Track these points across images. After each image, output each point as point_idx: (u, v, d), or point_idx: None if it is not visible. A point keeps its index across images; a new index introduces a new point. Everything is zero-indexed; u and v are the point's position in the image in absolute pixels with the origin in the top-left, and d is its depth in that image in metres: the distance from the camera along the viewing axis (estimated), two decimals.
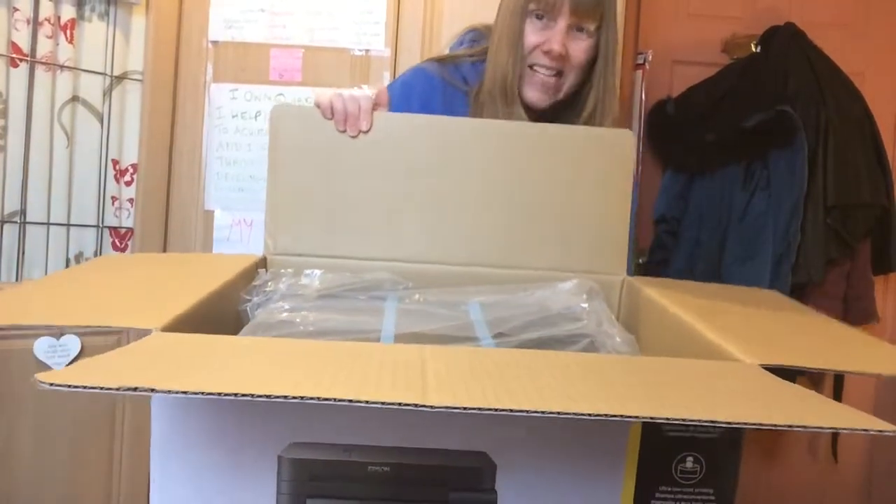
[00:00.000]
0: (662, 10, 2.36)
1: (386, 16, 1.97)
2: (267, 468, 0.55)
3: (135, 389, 0.39)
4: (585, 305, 0.87)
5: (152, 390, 0.39)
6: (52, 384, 0.40)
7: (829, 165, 2.05)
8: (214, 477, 0.55)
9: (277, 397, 0.39)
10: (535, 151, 1.02)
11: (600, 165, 1.02)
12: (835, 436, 2.35)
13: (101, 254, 1.93)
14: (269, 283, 0.90)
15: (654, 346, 0.86)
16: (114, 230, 1.96)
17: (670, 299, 0.85)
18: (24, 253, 1.81)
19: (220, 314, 0.80)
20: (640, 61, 2.24)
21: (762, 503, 2.41)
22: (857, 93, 2.14)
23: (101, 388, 0.40)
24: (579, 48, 1.15)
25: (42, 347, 1.65)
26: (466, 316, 0.85)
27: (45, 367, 1.65)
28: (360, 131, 1.03)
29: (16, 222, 1.80)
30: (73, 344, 1.67)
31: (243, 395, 0.39)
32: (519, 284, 0.94)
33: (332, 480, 0.54)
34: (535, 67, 1.16)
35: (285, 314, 0.81)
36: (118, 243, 1.97)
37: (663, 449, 0.57)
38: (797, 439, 2.42)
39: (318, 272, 0.94)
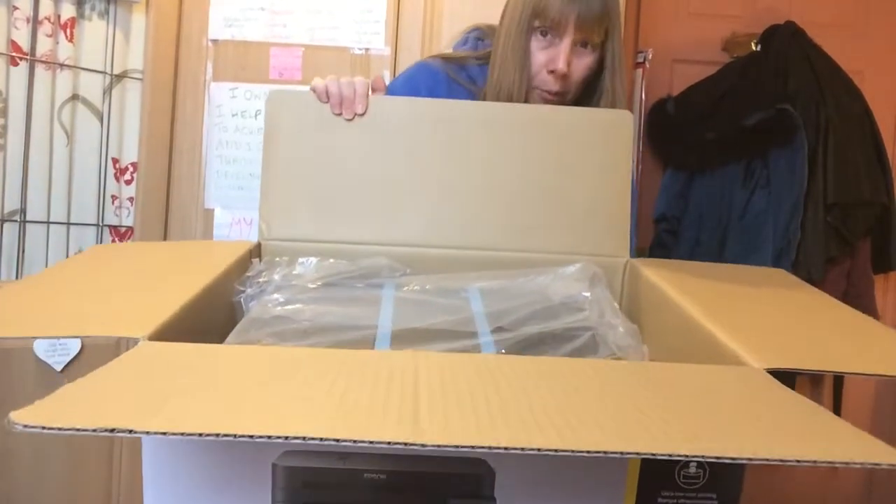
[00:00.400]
0: (662, 9, 2.36)
1: (386, 14, 1.97)
2: (261, 478, 0.54)
3: (112, 431, 0.38)
4: (587, 294, 0.85)
5: (130, 431, 0.38)
6: (25, 426, 0.38)
7: (829, 164, 2.05)
8: (207, 486, 0.55)
9: (260, 437, 0.38)
10: (535, 133, 1.01)
11: (600, 146, 1.01)
12: None
13: None
14: (263, 274, 0.88)
15: (656, 335, 0.84)
16: (114, 229, 1.96)
17: (673, 284, 0.84)
18: (24, 252, 1.82)
19: (215, 308, 0.79)
20: (641, 60, 2.24)
21: (762, 503, 2.41)
22: (856, 91, 2.14)
23: (78, 430, 0.38)
24: (582, 65, 1.13)
25: (42, 347, 1.65)
26: (466, 306, 0.83)
27: (45, 367, 1.65)
28: (355, 114, 1.02)
29: (16, 221, 1.80)
30: (73, 343, 1.67)
31: (225, 436, 0.38)
32: (520, 269, 0.92)
33: (327, 488, 0.53)
34: (539, 89, 1.14)
35: (280, 308, 0.79)
36: (118, 242, 1.97)
37: None
38: None
39: (312, 260, 0.92)
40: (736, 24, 2.33)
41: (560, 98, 1.15)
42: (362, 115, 1.02)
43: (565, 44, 1.10)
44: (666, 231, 2.24)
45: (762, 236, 2.05)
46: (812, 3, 2.33)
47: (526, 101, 1.15)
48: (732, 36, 2.31)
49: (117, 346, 0.58)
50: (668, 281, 0.86)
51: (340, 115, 1.02)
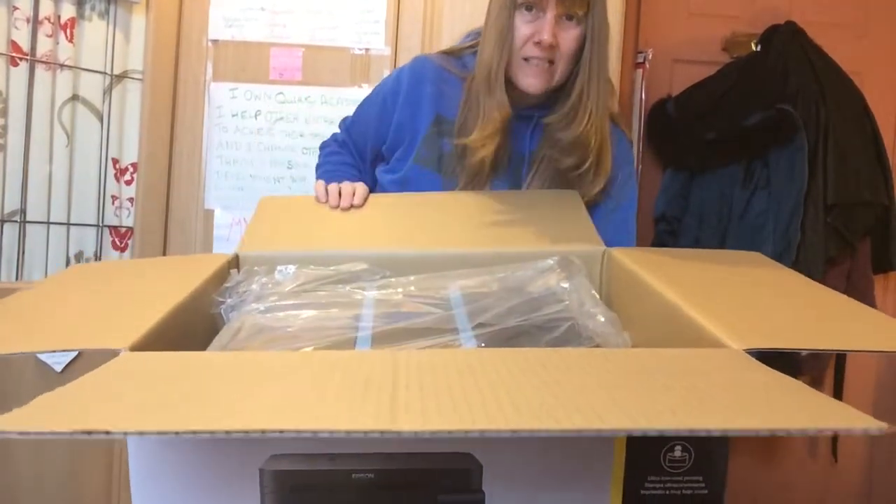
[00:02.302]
0: (662, 9, 2.35)
1: (386, 14, 1.97)
2: (250, 483, 0.54)
3: (89, 433, 0.38)
4: (566, 285, 0.86)
5: (106, 433, 0.38)
6: (3, 432, 0.37)
7: (829, 164, 2.05)
8: (196, 495, 0.54)
9: (238, 433, 0.38)
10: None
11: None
12: (834, 436, 2.35)
13: (101, 253, 1.94)
14: (242, 284, 0.88)
15: (638, 322, 0.85)
16: (114, 229, 1.97)
17: (651, 271, 0.85)
18: (24, 252, 1.82)
19: (194, 321, 0.79)
20: (641, 60, 2.24)
21: (763, 503, 2.40)
22: (856, 91, 2.14)
23: (54, 433, 0.38)
24: (569, 37, 1.15)
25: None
26: (446, 305, 0.83)
27: (45, 368, 1.66)
28: (351, 205, 1.12)
29: (16, 221, 1.80)
30: None
31: (202, 432, 0.37)
32: (500, 265, 0.93)
33: (316, 490, 0.53)
34: (528, 59, 1.16)
35: (260, 317, 0.79)
36: (118, 242, 1.98)
37: (651, 438, 0.57)
38: (797, 439, 2.42)
39: (291, 268, 0.92)
40: (736, 24, 2.32)
41: (549, 70, 1.16)
42: (359, 206, 1.12)
43: (549, 16, 1.13)
44: (666, 231, 2.24)
45: (762, 236, 2.05)
46: (812, 3, 2.33)
47: (516, 73, 1.17)
48: (732, 36, 2.31)
49: (115, 352, 0.57)
50: (646, 268, 0.86)
51: (338, 206, 1.12)
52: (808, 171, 2.03)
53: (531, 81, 1.17)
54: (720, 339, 0.63)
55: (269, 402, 0.44)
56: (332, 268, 0.92)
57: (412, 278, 0.91)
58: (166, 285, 0.82)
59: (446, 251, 0.99)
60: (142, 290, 0.84)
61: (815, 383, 2.26)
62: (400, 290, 0.89)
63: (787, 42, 2.13)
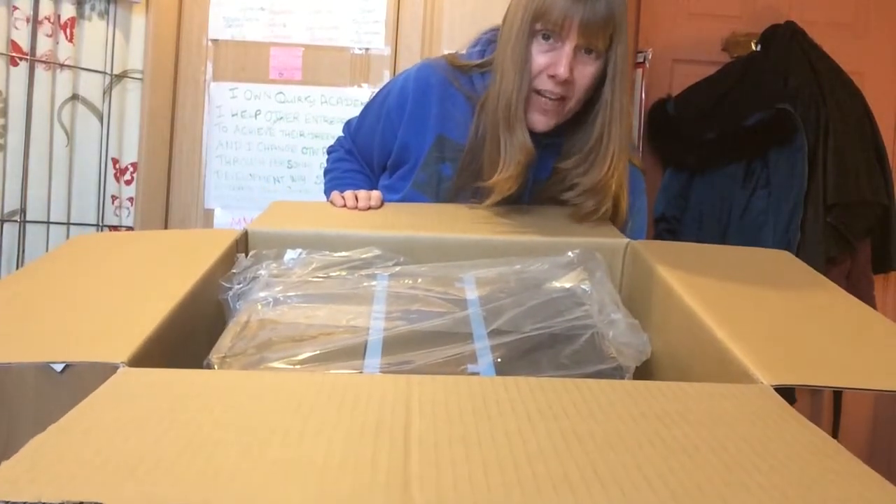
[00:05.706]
0: (662, 9, 2.35)
1: (386, 14, 1.97)
2: None
3: None
4: (587, 287, 0.82)
5: None
6: None
7: (829, 164, 2.05)
8: None
9: None
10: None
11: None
12: (834, 434, 2.35)
13: None
14: (250, 270, 0.83)
15: (657, 327, 0.81)
16: (114, 229, 1.96)
17: (675, 274, 0.81)
18: (24, 252, 1.82)
19: (201, 309, 0.76)
20: (641, 60, 2.24)
21: None
22: (857, 92, 2.14)
23: None
24: (586, 73, 1.07)
25: None
26: (461, 301, 0.79)
27: (44, 368, 1.66)
28: (369, 207, 1.10)
29: (16, 221, 1.80)
30: None
31: None
32: (517, 256, 0.89)
33: None
34: (539, 92, 1.08)
35: (267, 311, 0.76)
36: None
37: None
38: None
39: (301, 253, 0.87)
40: (736, 24, 2.33)
41: (561, 105, 1.09)
42: (376, 208, 1.11)
43: (567, 48, 1.04)
44: (666, 231, 2.24)
45: (762, 236, 2.06)
46: (812, 3, 2.33)
47: (525, 108, 1.09)
48: (732, 36, 2.31)
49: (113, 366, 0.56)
50: (670, 271, 0.82)
51: (355, 208, 1.10)
52: (808, 171, 2.03)
53: (538, 118, 1.10)
54: (746, 367, 0.60)
55: (271, 469, 0.42)
56: (343, 253, 0.87)
57: (426, 267, 0.86)
58: (172, 271, 0.79)
59: (462, 237, 0.95)
60: (147, 277, 0.79)
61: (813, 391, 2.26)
62: (413, 280, 0.84)
63: (787, 42, 2.14)
